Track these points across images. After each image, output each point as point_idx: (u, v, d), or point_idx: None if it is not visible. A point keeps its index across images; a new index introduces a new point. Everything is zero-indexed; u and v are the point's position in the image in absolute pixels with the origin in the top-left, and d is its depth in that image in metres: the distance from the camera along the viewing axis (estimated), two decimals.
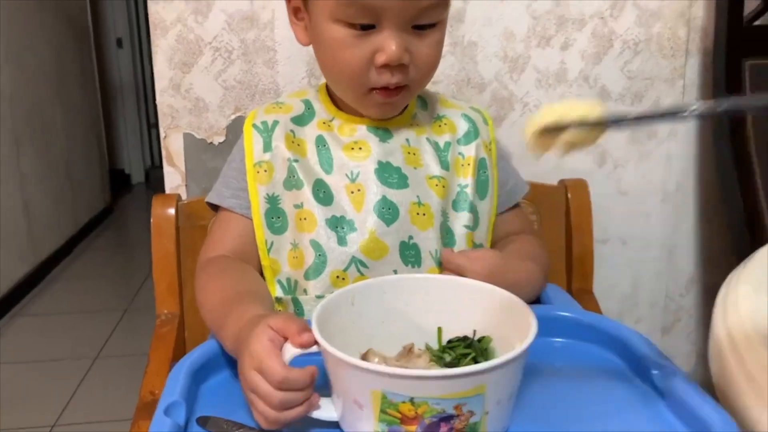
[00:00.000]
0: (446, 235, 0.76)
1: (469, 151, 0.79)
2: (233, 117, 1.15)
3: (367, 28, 0.68)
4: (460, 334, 0.61)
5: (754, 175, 1.13)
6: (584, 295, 1.00)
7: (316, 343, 0.52)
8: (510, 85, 1.19)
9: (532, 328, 0.52)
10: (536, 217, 1.03)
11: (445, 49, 1.14)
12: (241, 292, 0.68)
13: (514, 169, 0.88)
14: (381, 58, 0.68)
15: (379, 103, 0.73)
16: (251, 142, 0.76)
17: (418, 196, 0.74)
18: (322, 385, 0.54)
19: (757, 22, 1.17)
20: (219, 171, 0.84)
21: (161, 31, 1.12)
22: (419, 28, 0.69)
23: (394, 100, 0.73)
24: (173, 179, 1.18)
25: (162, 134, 1.16)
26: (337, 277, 0.72)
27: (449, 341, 0.61)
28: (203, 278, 0.73)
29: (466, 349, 0.59)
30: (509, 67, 1.18)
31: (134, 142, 4.40)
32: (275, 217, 0.74)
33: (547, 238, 1.03)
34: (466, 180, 0.78)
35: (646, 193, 1.28)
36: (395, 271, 0.73)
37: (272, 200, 0.75)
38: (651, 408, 0.57)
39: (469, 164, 0.78)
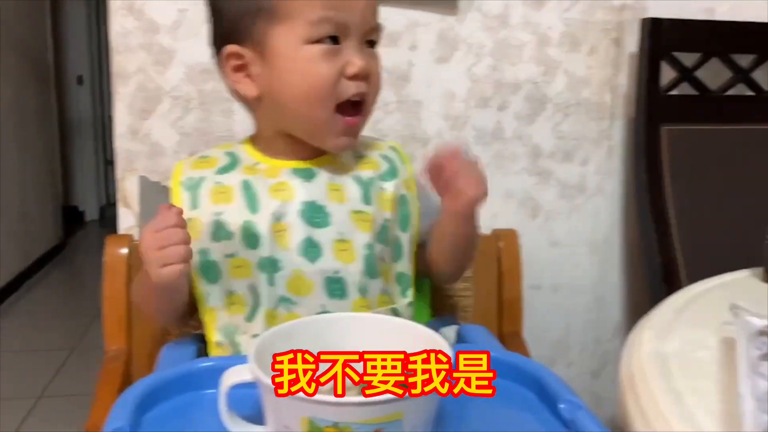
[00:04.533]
0: (371, 266, 0.81)
1: (390, 187, 0.85)
2: None
3: (334, 42, 0.78)
4: None
5: (671, 232, 1.23)
6: (514, 338, 1.07)
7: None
8: (451, 140, 1.28)
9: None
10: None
11: (392, 106, 1.24)
12: None
13: (434, 201, 0.95)
14: (352, 69, 0.78)
15: (342, 130, 0.80)
16: (179, 198, 0.81)
17: (341, 233, 0.80)
18: (257, 414, 0.60)
19: (673, 92, 1.29)
20: None
21: (122, 80, 1.18)
22: (369, 46, 0.82)
23: (356, 123, 0.81)
24: (126, 220, 1.22)
25: (119, 176, 1.21)
26: (270, 315, 0.78)
27: None
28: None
29: None
30: (450, 124, 1.27)
31: (90, 179, 4.37)
32: (208, 269, 0.80)
33: (480, 284, 1.11)
34: (388, 213, 0.84)
35: (576, 244, 1.37)
36: (322, 305, 0.78)
37: (203, 253, 0.79)
38: None
39: (391, 200, 0.84)
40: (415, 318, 0.92)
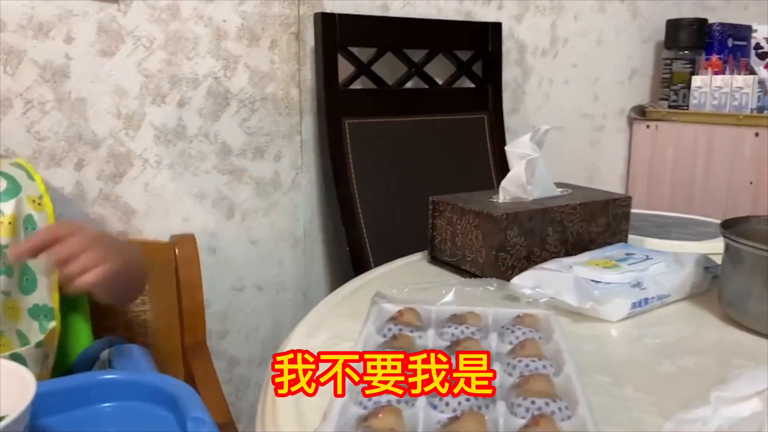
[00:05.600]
0: None
1: (8, 208, 0.75)
2: None
3: None
4: None
5: (358, 220, 1.27)
6: (197, 347, 1.02)
7: None
8: (127, 141, 1.18)
9: (24, 403, 0.51)
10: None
11: (50, 105, 1.10)
12: None
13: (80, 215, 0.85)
14: None
15: None
16: None
17: None
18: None
19: (354, 85, 1.33)
20: None
21: None
22: None
23: None
24: None
25: None
26: None
27: None
28: None
29: None
30: (124, 123, 1.17)
31: None
32: None
33: (157, 297, 1.03)
34: (5, 239, 0.73)
35: (277, 241, 1.36)
36: None
37: None
38: None
39: (9, 222, 0.74)
40: (64, 346, 0.82)
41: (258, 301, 1.36)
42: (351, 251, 1.24)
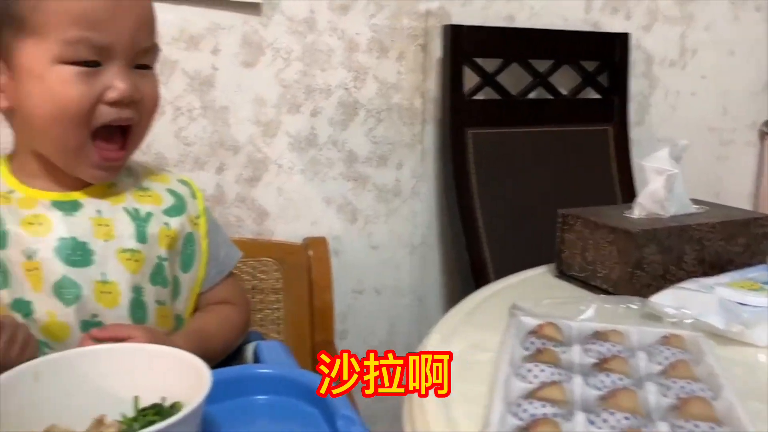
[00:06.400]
0: (138, 310, 0.75)
1: (175, 224, 0.79)
2: None
3: (93, 65, 0.69)
4: (158, 401, 0.63)
5: (479, 230, 1.28)
6: (326, 347, 1.06)
7: None
8: (264, 147, 1.25)
9: (202, 393, 0.55)
10: (280, 275, 1.08)
11: (197, 112, 1.18)
12: None
13: (225, 237, 0.89)
14: (112, 94, 0.70)
15: (97, 162, 0.72)
16: None
17: (103, 274, 0.73)
18: None
19: (477, 96, 1.34)
20: None
21: None
22: (139, 68, 0.73)
23: (114, 157, 0.73)
24: None
25: None
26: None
27: (143, 409, 0.63)
28: None
29: (155, 416, 0.60)
30: (262, 131, 1.24)
31: None
32: None
33: (290, 295, 1.08)
34: (164, 251, 0.78)
35: (395, 247, 1.39)
36: None
37: None
38: None
39: (173, 237, 0.79)
40: None
41: (376, 304, 1.40)
42: (471, 261, 1.25)
